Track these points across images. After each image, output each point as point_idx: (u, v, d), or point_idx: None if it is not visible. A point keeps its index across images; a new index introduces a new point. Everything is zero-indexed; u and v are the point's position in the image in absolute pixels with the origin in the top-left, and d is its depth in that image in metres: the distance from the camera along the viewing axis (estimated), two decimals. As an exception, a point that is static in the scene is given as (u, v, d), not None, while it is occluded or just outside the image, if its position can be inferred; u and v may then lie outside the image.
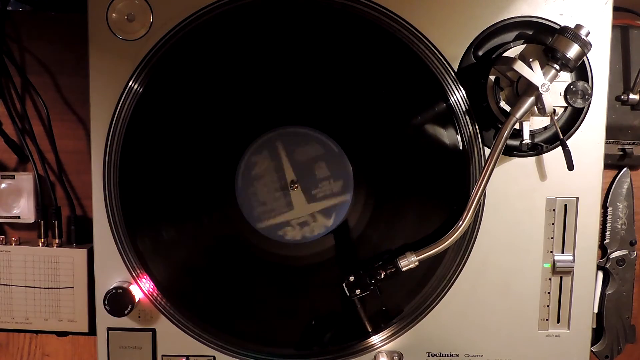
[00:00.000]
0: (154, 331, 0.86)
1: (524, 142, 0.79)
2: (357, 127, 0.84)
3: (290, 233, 0.85)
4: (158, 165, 0.83)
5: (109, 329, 0.86)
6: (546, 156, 0.84)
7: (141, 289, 0.85)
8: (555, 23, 0.81)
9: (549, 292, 0.87)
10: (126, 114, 0.82)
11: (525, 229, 0.85)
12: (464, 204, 0.80)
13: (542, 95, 0.75)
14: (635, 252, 0.99)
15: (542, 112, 0.76)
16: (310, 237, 0.85)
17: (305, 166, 0.84)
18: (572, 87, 0.76)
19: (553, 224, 0.86)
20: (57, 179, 0.96)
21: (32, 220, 0.94)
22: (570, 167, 0.78)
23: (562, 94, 0.77)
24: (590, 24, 0.78)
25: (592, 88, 0.80)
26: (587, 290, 0.87)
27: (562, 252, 0.86)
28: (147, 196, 0.84)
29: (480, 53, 0.82)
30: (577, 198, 0.85)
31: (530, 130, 0.80)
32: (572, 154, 0.78)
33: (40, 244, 0.92)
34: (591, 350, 0.92)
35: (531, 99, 0.76)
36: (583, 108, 0.82)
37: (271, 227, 0.85)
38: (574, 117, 0.83)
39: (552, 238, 0.86)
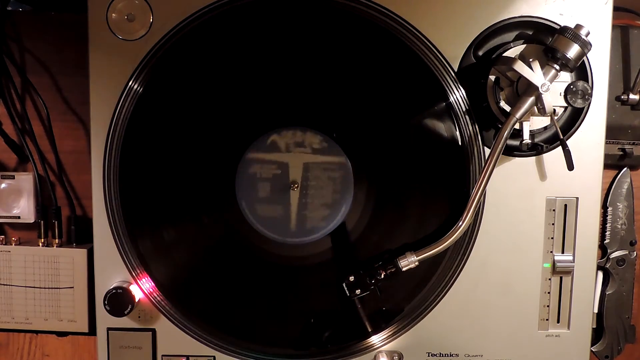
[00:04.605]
0: (154, 331, 0.86)
1: (524, 142, 0.79)
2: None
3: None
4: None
5: (109, 329, 0.86)
6: (546, 156, 0.84)
7: (141, 289, 0.85)
8: (555, 23, 0.81)
9: (549, 292, 0.87)
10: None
11: (525, 229, 0.85)
12: (464, 204, 0.80)
13: (542, 95, 0.75)
14: (635, 252, 0.99)
15: (542, 112, 0.76)
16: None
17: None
18: (572, 87, 0.76)
19: (553, 224, 0.86)
20: (57, 179, 0.96)
21: (32, 220, 0.94)
22: (570, 167, 0.78)
23: (562, 94, 0.77)
24: (590, 24, 0.78)
25: (592, 88, 0.80)
26: (587, 290, 0.87)
27: (562, 252, 0.86)
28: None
29: (480, 53, 0.82)
30: (577, 198, 0.85)
31: (530, 130, 0.80)
32: (572, 154, 0.78)
33: (40, 244, 0.92)
34: (591, 350, 0.92)
35: (531, 99, 0.76)
36: (583, 108, 0.82)
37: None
38: (574, 117, 0.83)
39: (552, 238, 0.86)
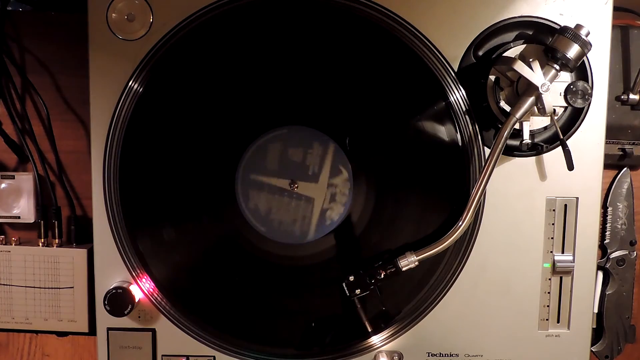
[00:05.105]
0: (154, 331, 0.86)
1: (524, 142, 0.79)
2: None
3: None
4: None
5: (109, 329, 0.86)
6: (546, 156, 0.84)
7: (141, 289, 0.85)
8: (555, 23, 0.81)
9: (549, 292, 0.87)
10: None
11: (525, 229, 0.85)
12: (464, 204, 0.80)
13: (542, 95, 0.75)
14: (635, 252, 0.99)
15: (542, 112, 0.76)
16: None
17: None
18: (572, 87, 0.76)
19: (553, 224, 0.86)
20: (57, 179, 0.96)
21: (32, 220, 0.94)
22: (570, 167, 0.78)
23: (562, 94, 0.77)
24: (590, 24, 0.78)
25: (592, 88, 0.80)
26: (587, 290, 0.87)
27: (562, 252, 0.86)
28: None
29: (480, 53, 0.82)
30: (577, 198, 0.85)
31: (530, 130, 0.80)
32: (572, 154, 0.78)
33: (40, 244, 0.92)
34: (591, 350, 0.92)
35: (531, 99, 0.76)
36: (583, 108, 0.82)
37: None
38: (574, 117, 0.83)
39: (552, 238, 0.86)
